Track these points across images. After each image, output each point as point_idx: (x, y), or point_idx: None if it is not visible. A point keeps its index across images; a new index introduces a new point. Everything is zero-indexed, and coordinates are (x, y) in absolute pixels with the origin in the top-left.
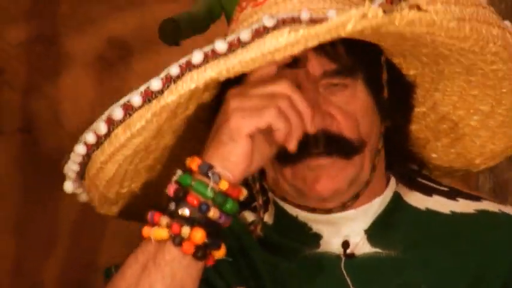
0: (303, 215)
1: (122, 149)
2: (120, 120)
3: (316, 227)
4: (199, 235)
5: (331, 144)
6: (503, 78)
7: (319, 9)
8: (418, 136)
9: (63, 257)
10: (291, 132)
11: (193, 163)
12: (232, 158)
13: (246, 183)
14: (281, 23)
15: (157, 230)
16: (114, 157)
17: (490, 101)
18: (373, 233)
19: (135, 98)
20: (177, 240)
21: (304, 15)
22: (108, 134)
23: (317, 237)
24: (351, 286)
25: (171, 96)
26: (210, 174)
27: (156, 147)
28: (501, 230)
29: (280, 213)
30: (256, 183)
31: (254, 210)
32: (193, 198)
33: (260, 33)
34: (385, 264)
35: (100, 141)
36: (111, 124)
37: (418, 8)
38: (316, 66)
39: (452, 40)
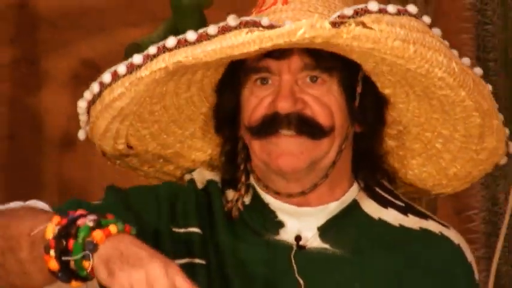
0: (273, 204)
1: (107, 109)
2: (108, 84)
3: (281, 216)
4: (50, 230)
5: (302, 125)
6: (454, 105)
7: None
8: (398, 153)
9: None
10: None
11: (99, 234)
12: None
13: (234, 163)
14: (243, 25)
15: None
16: (102, 114)
17: (448, 126)
18: (326, 231)
19: (121, 68)
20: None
21: (264, 21)
22: (99, 94)
23: (279, 225)
24: (296, 273)
25: (145, 71)
26: (89, 250)
27: (149, 118)
28: (436, 250)
29: (256, 198)
30: (242, 164)
31: (237, 188)
32: (81, 221)
33: (224, 30)
34: (330, 261)
35: (94, 99)
36: (102, 86)
37: (364, 25)
38: (297, 59)
39: (399, 60)
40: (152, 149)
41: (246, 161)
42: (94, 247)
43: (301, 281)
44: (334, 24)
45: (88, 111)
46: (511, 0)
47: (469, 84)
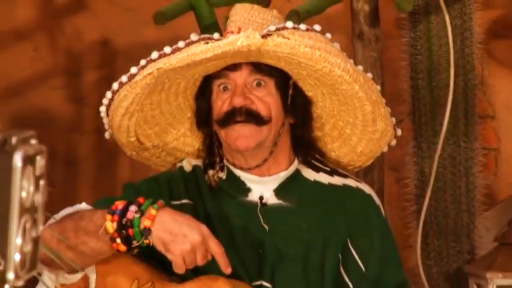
0: (242, 176)
1: (118, 108)
2: (117, 90)
3: (248, 184)
4: (110, 227)
5: (249, 115)
6: (352, 97)
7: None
8: (325, 140)
9: None
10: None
11: (148, 222)
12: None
13: (211, 150)
14: (201, 39)
15: (109, 223)
16: (115, 113)
17: (351, 114)
18: (279, 192)
19: (124, 78)
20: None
21: (216, 36)
22: (112, 99)
23: (248, 191)
24: (262, 222)
25: (139, 77)
26: (146, 234)
27: (152, 121)
28: (354, 198)
29: (230, 173)
30: (216, 150)
31: (214, 168)
32: (130, 214)
33: (189, 43)
34: (283, 211)
35: (109, 103)
36: (113, 93)
37: (283, 36)
38: (245, 69)
39: (309, 62)
40: (157, 144)
41: (219, 148)
42: (149, 231)
43: (266, 227)
44: (263, 36)
45: (107, 114)
46: (433, 38)
47: (360, 80)
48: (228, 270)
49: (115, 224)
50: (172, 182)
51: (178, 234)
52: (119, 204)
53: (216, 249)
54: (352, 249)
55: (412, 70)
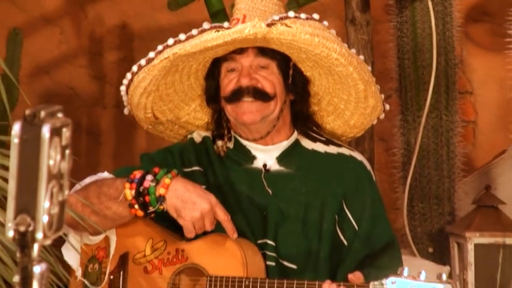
0: (248, 145)
1: (137, 88)
2: (136, 72)
3: (254, 153)
4: (128, 194)
5: (256, 93)
6: (346, 77)
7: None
8: (321, 114)
9: None
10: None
11: (163, 190)
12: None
13: (219, 124)
14: (213, 27)
15: (127, 191)
16: (134, 92)
17: (345, 92)
18: (281, 159)
19: (142, 61)
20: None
21: (225, 25)
22: (131, 80)
23: (253, 158)
24: (266, 187)
25: (156, 61)
26: (161, 201)
27: (166, 99)
28: (347, 165)
29: (237, 143)
30: (224, 123)
31: (223, 139)
32: (146, 183)
33: (202, 31)
34: (285, 177)
35: (129, 84)
36: (133, 74)
37: (286, 25)
38: (251, 52)
39: (309, 47)
40: (170, 119)
41: (226, 121)
42: (163, 198)
43: (270, 191)
44: (268, 25)
45: (126, 93)
46: (417, 22)
47: (354, 62)
48: (234, 235)
49: (133, 192)
50: (184, 151)
51: (188, 201)
52: (137, 174)
53: (223, 216)
54: (346, 210)
55: (399, 51)
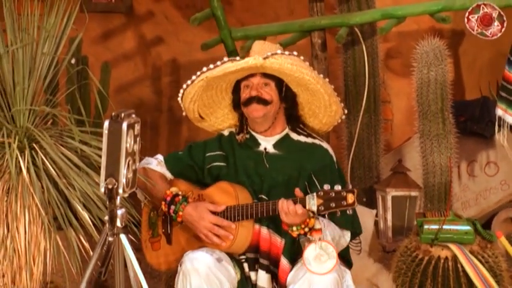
0: (257, 136)
1: (187, 96)
2: (187, 86)
3: (259, 141)
4: (163, 207)
5: (260, 100)
6: (317, 91)
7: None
8: (304, 116)
9: None
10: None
11: (180, 216)
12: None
13: (241, 123)
14: (229, 60)
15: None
16: (186, 99)
17: (318, 101)
18: (275, 145)
19: (188, 82)
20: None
21: (238, 58)
22: (184, 90)
23: (259, 144)
24: (265, 162)
25: (196, 81)
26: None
27: (208, 105)
28: (317, 151)
29: (250, 135)
30: (245, 122)
31: (243, 132)
32: (171, 211)
33: (223, 63)
34: (278, 157)
35: (183, 93)
36: (186, 86)
37: (275, 59)
38: (258, 76)
39: (291, 72)
40: (211, 119)
41: (246, 122)
42: (181, 221)
43: (267, 165)
44: (264, 59)
45: (181, 100)
46: (356, 58)
47: (320, 82)
48: (230, 237)
49: (165, 208)
50: (208, 142)
51: (194, 223)
52: (168, 196)
53: (222, 223)
54: (314, 180)
55: (345, 76)
